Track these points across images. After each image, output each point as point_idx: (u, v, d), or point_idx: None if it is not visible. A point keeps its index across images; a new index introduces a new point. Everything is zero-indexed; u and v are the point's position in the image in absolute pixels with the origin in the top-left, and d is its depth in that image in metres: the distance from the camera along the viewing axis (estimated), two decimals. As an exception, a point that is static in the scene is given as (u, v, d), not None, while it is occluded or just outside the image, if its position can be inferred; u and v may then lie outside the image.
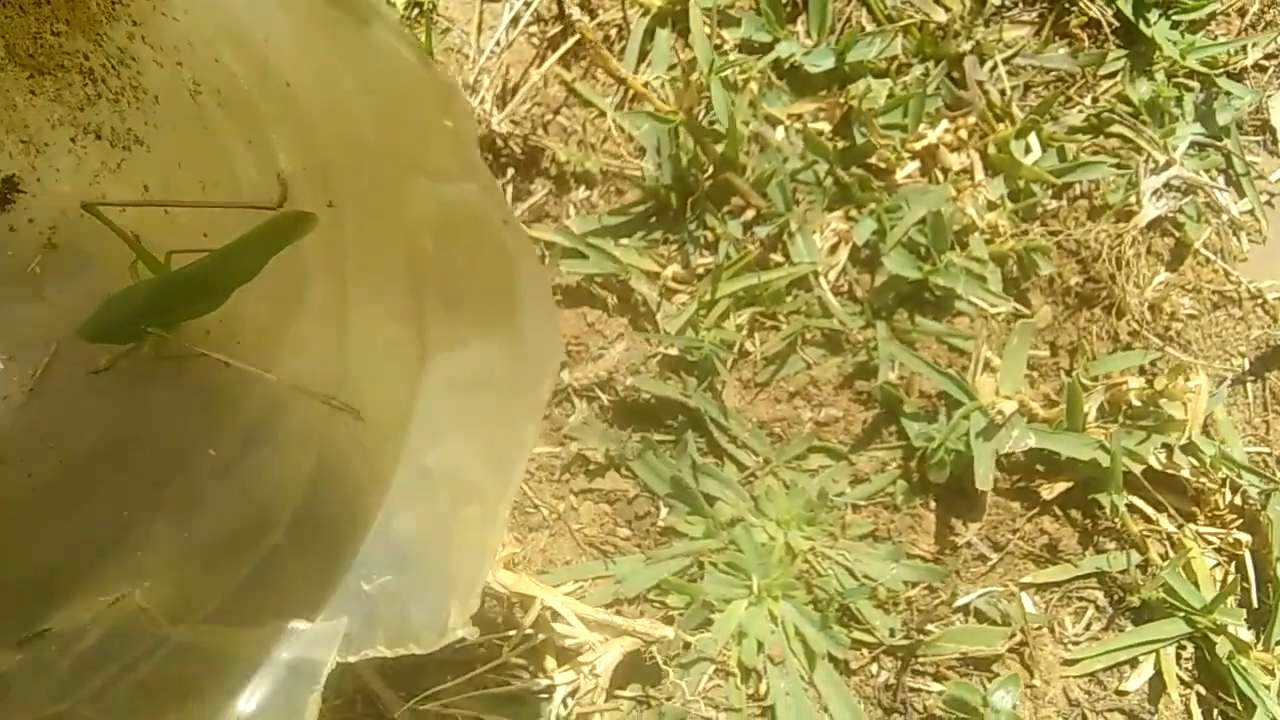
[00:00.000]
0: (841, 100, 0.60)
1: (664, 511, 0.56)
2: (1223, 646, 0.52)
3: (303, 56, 0.37)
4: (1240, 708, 0.52)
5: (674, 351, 0.57)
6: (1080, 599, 0.55)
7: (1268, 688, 0.52)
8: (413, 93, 0.35)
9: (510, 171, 0.61)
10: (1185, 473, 0.54)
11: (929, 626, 0.54)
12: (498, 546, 0.37)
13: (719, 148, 0.58)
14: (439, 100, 0.35)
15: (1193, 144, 0.62)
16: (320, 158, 0.41)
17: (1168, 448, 0.54)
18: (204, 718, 0.36)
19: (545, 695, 0.52)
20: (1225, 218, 0.61)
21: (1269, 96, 0.64)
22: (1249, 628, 0.54)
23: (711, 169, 0.58)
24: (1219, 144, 0.62)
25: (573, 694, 0.51)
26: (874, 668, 0.54)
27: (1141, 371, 0.57)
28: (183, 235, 0.42)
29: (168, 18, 0.41)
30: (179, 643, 0.38)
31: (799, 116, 0.61)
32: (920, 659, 0.54)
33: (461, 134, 0.35)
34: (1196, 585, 0.53)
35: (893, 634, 0.54)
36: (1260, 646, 0.53)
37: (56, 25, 0.42)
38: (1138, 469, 0.55)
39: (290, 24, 0.37)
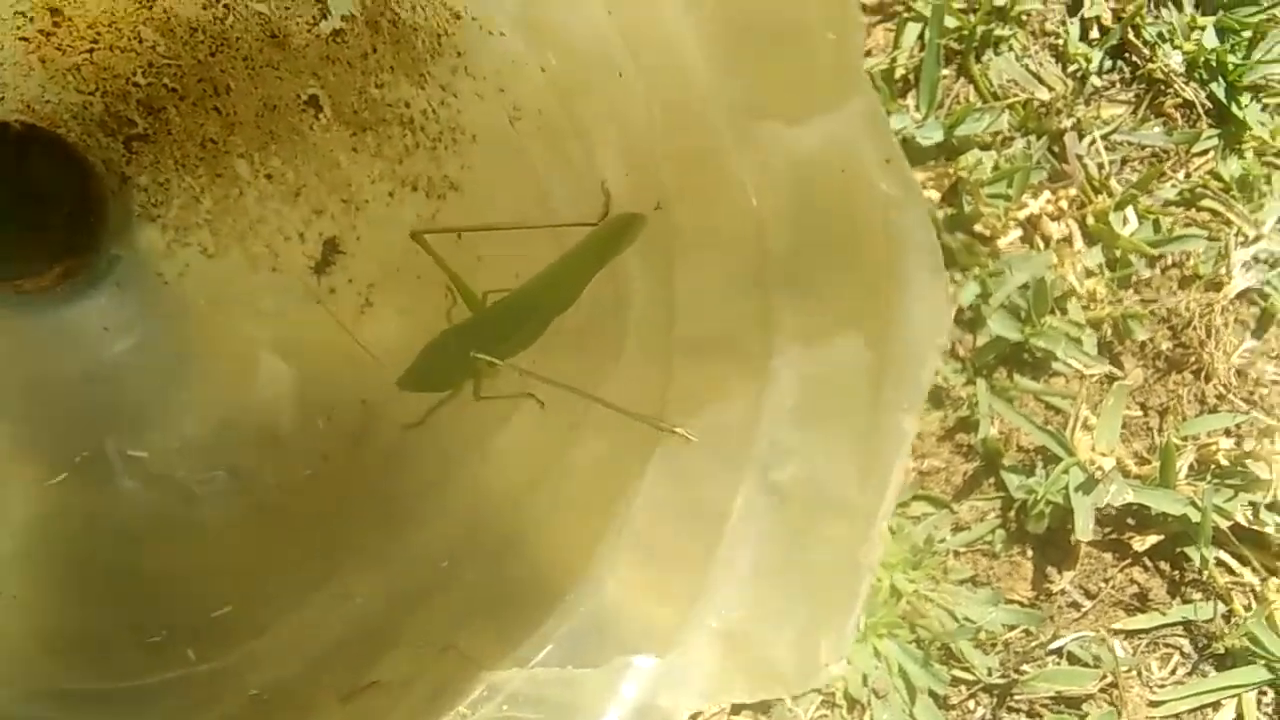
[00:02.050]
0: (950, 171, 0.67)
1: (776, 551, 0.63)
2: (1303, 694, 0.58)
3: (648, 21, 0.35)
4: (1318, 752, 0.58)
5: (790, 401, 0.64)
6: (1167, 645, 0.61)
7: (1344, 734, 0.58)
8: (786, 8, 0.32)
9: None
10: (1270, 529, 0.60)
11: (1024, 667, 0.60)
12: (875, 564, 0.33)
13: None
14: (822, 8, 0.31)
15: (1281, 219, 0.68)
16: (648, 153, 0.38)
17: (1254, 505, 0.61)
18: None
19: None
20: (1311, 290, 0.67)
21: (1356, 175, 0.70)
22: (1328, 678, 0.59)
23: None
24: (1307, 219, 0.68)
25: (694, 717, 0.57)
26: (971, 704, 0.60)
27: (1228, 433, 0.64)
28: (494, 280, 0.43)
29: (494, 36, 0.40)
30: (513, 690, 0.36)
31: (908, 185, 0.68)
32: (1015, 697, 0.60)
33: (848, 47, 0.31)
34: (1278, 634, 0.59)
35: (990, 673, 0.60)
36: (1339, 696, 0.59)
37: (382, 76, 0.43)
38: (1225, 525, 0.61)
39: None
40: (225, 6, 0.43)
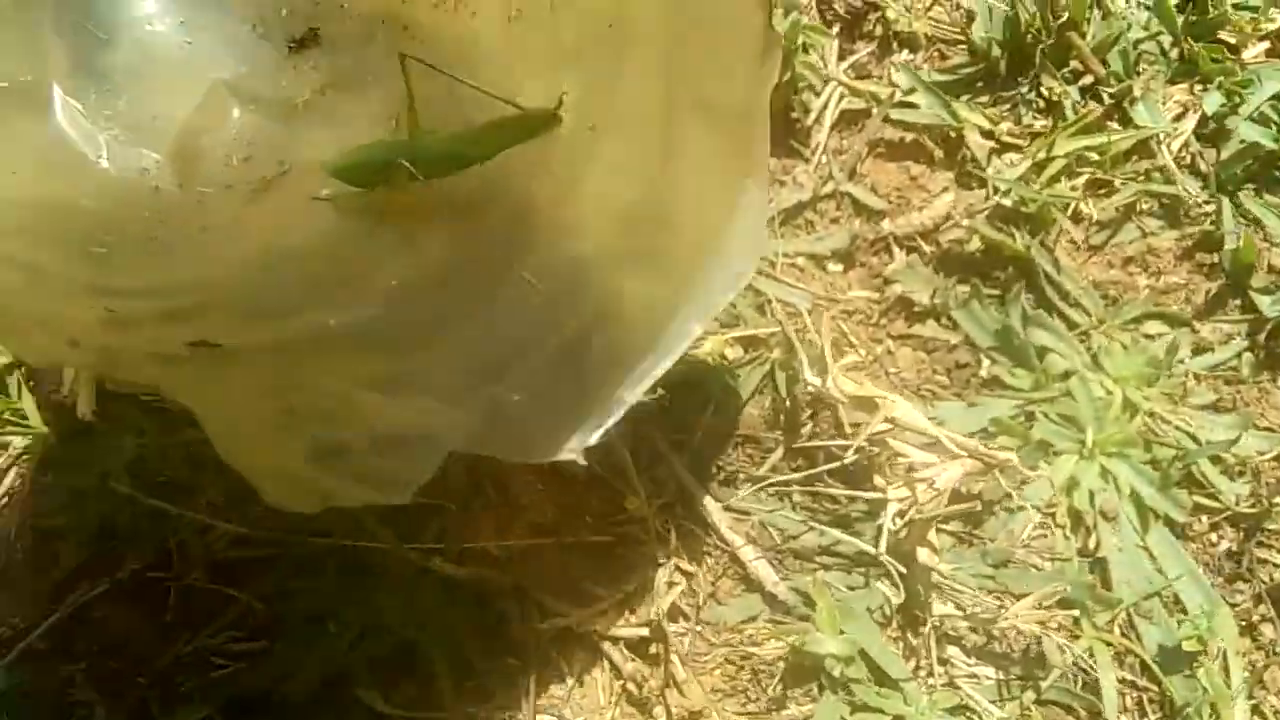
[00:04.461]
0: (1192, -27, 0.63)
1: (986, 364, 0.58)
2: None
3: None
4: None
5: (1007, 203, 0.59)
6: None
7: None
8: None
9: (835, 28, 0.65)
10: None
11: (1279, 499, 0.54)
12: (633, 403, 0.41)
13: (1063, 3, 0.61)
14: None
15: None
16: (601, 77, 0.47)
17: None
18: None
19: (867, 510, 0.53)
20: None
21: None
22: None
23: (1055, 29, 0.61)
24: None
25: (902, 512, 0.52)
26: (1214, 535, 0.54)
27: None
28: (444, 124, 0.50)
29: None
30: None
31: (1142, -11, 0.64)
32: (1268, 529, 0.54)
33: None
34: None
35: (1239, 501, 0.54)
36: None
37: None
38: None
39: None
40: None
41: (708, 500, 0.54)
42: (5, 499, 0.54)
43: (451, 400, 0.41)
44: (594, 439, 0.41)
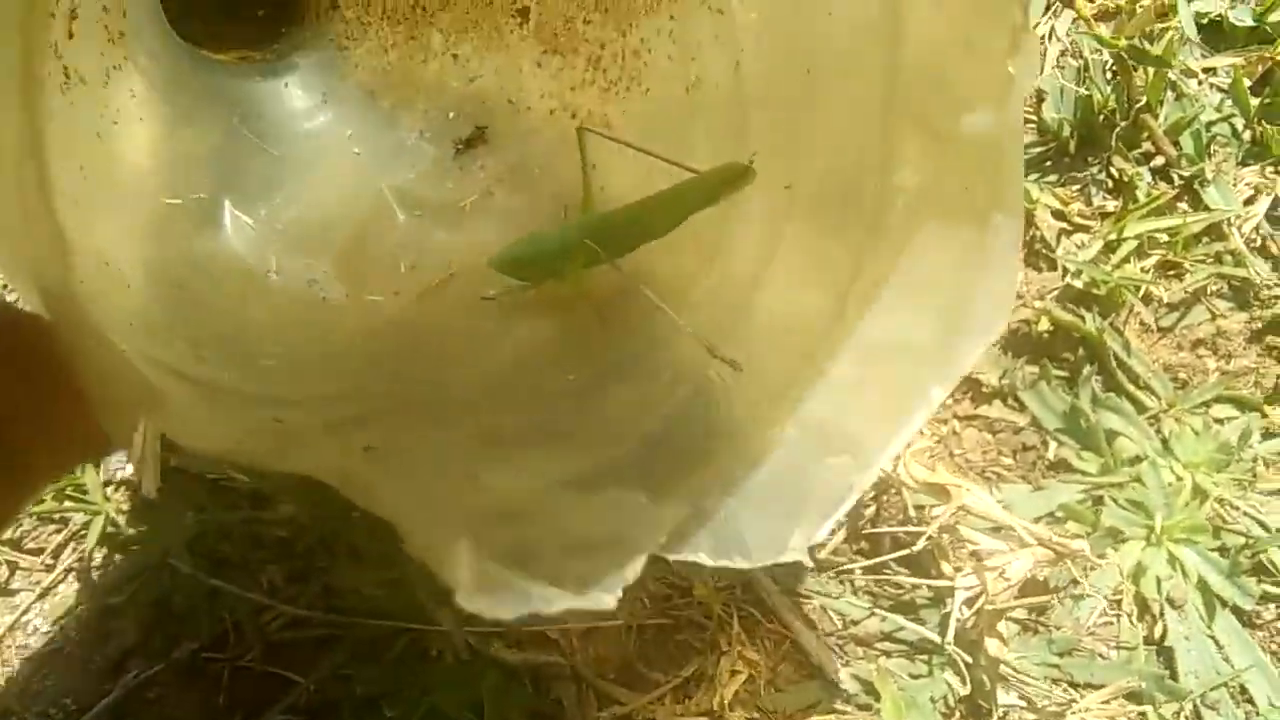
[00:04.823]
0: (1266, 55, 0.63)
1: (1053, 446, 0.58)
2: None
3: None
4: None
5: (1078, 284, 0.59)
6: None
7: None
8: None
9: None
10: None
11: (1352, 589, 0.54)
12: (865, 488, 0.36)
13: (1140, 85, 0.61)
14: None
15: None
16: (796, 129, 0.42)
17: None
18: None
19: (931, 597, 0.54)
20: None
21: None
22: None
23: (1131, 111, 0.62)
24: None
25: (971, 601, 0.52)
26: (1280, 625, 0.54)
27: None
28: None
29: (713, 11, 0.45)
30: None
31: (1212, 70, 0.64)
32: (1341, 622, 0.53)
33: None
34: None
35: (1309, 592, 0.54)
36: None
37: (592, 14, 0.49)
38: None
39: None
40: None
41: (768, 583, 0.54)
42: (63, 575, 0.55)
43: (648, 498, 0.38)
44: (821, 533, 0.36)
